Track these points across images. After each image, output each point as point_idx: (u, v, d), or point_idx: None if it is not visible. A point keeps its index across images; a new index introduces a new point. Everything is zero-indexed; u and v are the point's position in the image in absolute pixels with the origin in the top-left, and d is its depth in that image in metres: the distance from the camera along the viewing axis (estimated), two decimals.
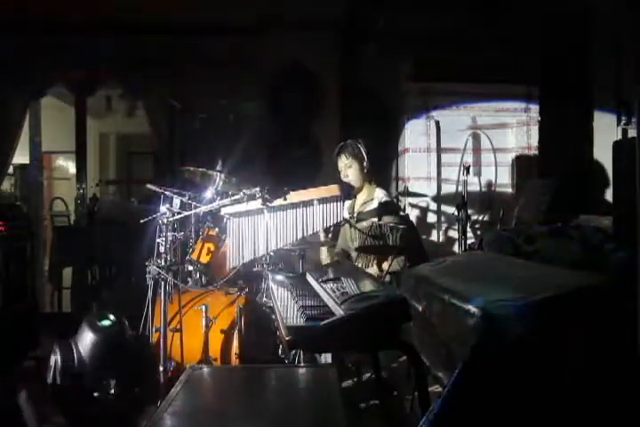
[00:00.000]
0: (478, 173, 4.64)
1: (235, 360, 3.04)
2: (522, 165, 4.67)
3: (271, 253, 3.17)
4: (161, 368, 2.77)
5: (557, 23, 4.74)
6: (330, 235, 3.58)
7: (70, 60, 5.28)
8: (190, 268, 3.40)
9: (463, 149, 4.64)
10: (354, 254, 3.50)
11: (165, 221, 2.84)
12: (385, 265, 3.31)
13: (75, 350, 2.97)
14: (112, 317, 3.16)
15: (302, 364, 2.78)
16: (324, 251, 3.63)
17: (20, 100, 5.43)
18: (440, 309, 1.94)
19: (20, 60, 5.23)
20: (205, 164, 3.62)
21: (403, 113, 4.80)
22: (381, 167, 4.75)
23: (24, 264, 4.36)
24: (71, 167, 7.68)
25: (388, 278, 3.24)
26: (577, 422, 1.52)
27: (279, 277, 2.70)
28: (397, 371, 2.87)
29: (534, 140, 4.68)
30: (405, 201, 4.68)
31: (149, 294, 2.91)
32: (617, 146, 3.19)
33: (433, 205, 4.67)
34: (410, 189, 4.65)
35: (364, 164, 3.52)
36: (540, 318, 1.55)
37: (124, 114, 6.93)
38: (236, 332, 3.07)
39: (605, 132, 4.43)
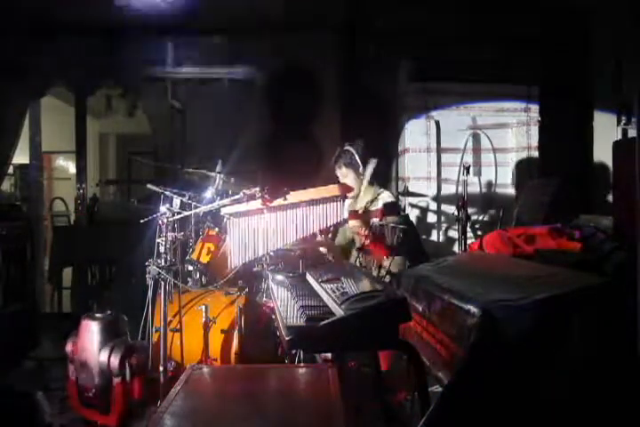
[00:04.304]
0: (478, 173, 4.64)
1: (235, 360, 3.05)
2: (522, 165, 4.67)
3: (271, 253, 3.17)
4: (161, 368, 2.77)
5: (557, 23, 4.75)
6: (329, 235, 3.59)
7: (70, 60, 5.29)
8: (190, 268, 3.40)
9: (463, 149, 4.64)
10: (354, 254, 3.50)
11: (165, 221, 2.84)
12: (385, 265, 3.31)
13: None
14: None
15: (302, 364, 2.77)
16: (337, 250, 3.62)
17: (20, 100, 5.43)
18: (440, 309, 1.95)
19: (20, 60, 5.23)
20: (205, 164, 3.62)
21: (403, 113, 4.80)
22: (381, 167, 4.75)
23: (24, 264, 4.37)
24: (71, 167, 7.68)
25: (387, 278, 3.24)
26: (577, 421, 1.52)
27: (279, 277, 2.69)
28: (397, 371, 2.87)
29: (534, 141, 4.68)
30: (405, 201, 4.68)
31: (149, 293, 2.91)
32: (617, 146, 3.19)
33: (433, 205, 4.67)
34: (410, 189, 4.65)
35: (360, 170, 3.52)
36: (540, 317, 1.56)
37: (124, 114, 6.93)
38: (236, 332, 3.07)
39: (605, 132, 4.43)
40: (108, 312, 3.10)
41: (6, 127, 5.37)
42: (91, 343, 2.97)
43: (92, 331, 2.99)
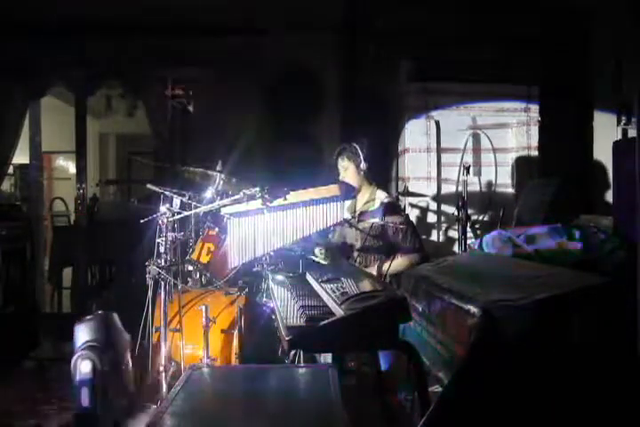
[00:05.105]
0: (478, 173, 4.63)
1: (235, 360, 3.04)
2: (522, 165, 4.67)
3: (271, 253, 3.17)
4: (161, 368, 2.77)
5: (557, 23, 4.75)
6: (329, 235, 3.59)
7: (70, 60, 5.29)
8: (190, 268, 3.40)
9: (463, 149, 4.64)
10: (354, 254, 3.50)
11: (165, 221, 2.84)
12: (385, 265, 3.31)
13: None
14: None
15: (302, 364, 2.77)
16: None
17: (20, 100, 5.43)
18: (440, 309, 1.95)
19: (20, 60, 5.23)
20: (205, 163, 3.63)
21: (403, 113, 4.80)
22: (381, 167, 4.76)
23: (24, 264, 4.37)
24: (71, 167, 7.69)
25: (388, 279, 3.24)
26: (577, 421, 1.52)
27: (279, 277, 2.70)
28: (397, 371, 2.87)
29: (534, 141, 4.67)
30: (405, 201, 4.68)
31: (149, 293, 2.91)
32: (617, 146, 3.19)
33: (433, 205, 4.67)
34: (410, 189, 4.65)
35: (361, 165, 3.53)
36: (540, 317, 1.55)
37: (124, 114, 6.94)
38: (236, 332, 3.07)
39: (605, 132, 4.43)
40: (95, 314, 3.08)
41: (6, 127, 5.37)
42: (74, 344, 2.96)
43: (76, 332, 2.99)
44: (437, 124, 4.67)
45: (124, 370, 3.01)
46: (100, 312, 3.09)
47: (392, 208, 3.48)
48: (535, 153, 4.67)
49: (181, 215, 2.91)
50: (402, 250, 3.36)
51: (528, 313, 1.54)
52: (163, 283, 2.81)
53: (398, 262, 3.29)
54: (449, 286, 1.96)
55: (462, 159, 4.58)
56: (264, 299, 3.29)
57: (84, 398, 2.77)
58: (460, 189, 4.20)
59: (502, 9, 4.64)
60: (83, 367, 2.79)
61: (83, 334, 2.96)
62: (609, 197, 4.32)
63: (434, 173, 4.66)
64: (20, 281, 4.29)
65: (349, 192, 3.57)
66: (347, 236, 3.62)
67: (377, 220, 3.37)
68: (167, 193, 3.06)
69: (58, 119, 6.47)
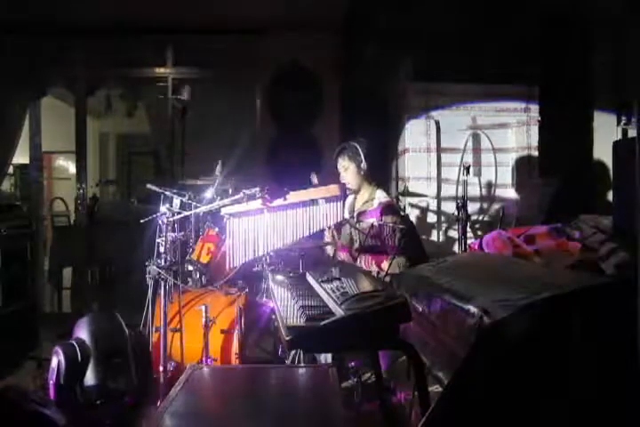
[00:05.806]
0: (478, 173, 4.63)
1: (235, 360, 3.05)
2: (522, 165, 4.67)
3: (271, 253, 3.16)
4: (161, 368, 2.77)
5: (557, 23, 4.75)
6: (334, 234, 3.59)
7: (70, 60, 5.29)
8: (190, 268, 3.40)
9: (463, 149, 4.63)
10: (354, 254, 3.50)
11: (165, 221, 2.84)
12: (384, 265, 3.31)
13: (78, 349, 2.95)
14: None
15: (302, 364, 2.78)
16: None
17: (20, 100, 5.43)
18: (440, 309, 1.95)
19: (20, 60, 5.23)
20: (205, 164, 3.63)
21: (403, 113, 4.79)
22: (381, 167, 4.76)
23: (24, 264, 4.37)
24: (71, 167, 7.68)
25: (387, 279, 3.24)
26: (577, 422, 1.52)
27: (279, 277, 2.69)
28: (397, 371, 2.87)
29: (534, 140, 4.67)
30: (405, 201, 4.68)
31: (149, 294, 2.91)
32: (617, 146, 3.19)
33: (433, 205, 4.67)
34: (410, 189, 4.65)
35: (361, 165, 3.53)
36: (540, 317, 1.55)
37: (124, 114, 6.94)
38: (236, 332, 3.07)
39: (605, 132, 4.43)
40: (88, 313, 3.08)
41: (6, 127, 5.37)
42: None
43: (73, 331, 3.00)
44: (437, 124, 4.67)
45: (121, 369, 3.00)
46: (91, 312, 3.10)
47: (389, 209, 3.48)
48: (535, 153, 4.67)
49: (181, 215, 2.91)
50: (400, 250, 3.35)
51: (528, 313, 1.54)
52: (163, 283, 2.81)
53: (397, 262, 3.29)
54: (449, 286, 1.96)
55: (462, 159, 4.58)
56: (264, 299, 3.29)
57: (51, 392, 2.82)
58: (460, 189, 4.19)
59: (502, 9, 4.64)
60: (52, 364, 2.85)
61: (75, 333, 2.98)
62: (609, 197, 4.32)
63: (434, 173, 4.66)
64: (20, 281, 4.29)
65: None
66: (346, 235, 3.62)
67: (375, 220, 3.37)
68: (167, 193, 3.06)
69: (58, 119, 6.47)
